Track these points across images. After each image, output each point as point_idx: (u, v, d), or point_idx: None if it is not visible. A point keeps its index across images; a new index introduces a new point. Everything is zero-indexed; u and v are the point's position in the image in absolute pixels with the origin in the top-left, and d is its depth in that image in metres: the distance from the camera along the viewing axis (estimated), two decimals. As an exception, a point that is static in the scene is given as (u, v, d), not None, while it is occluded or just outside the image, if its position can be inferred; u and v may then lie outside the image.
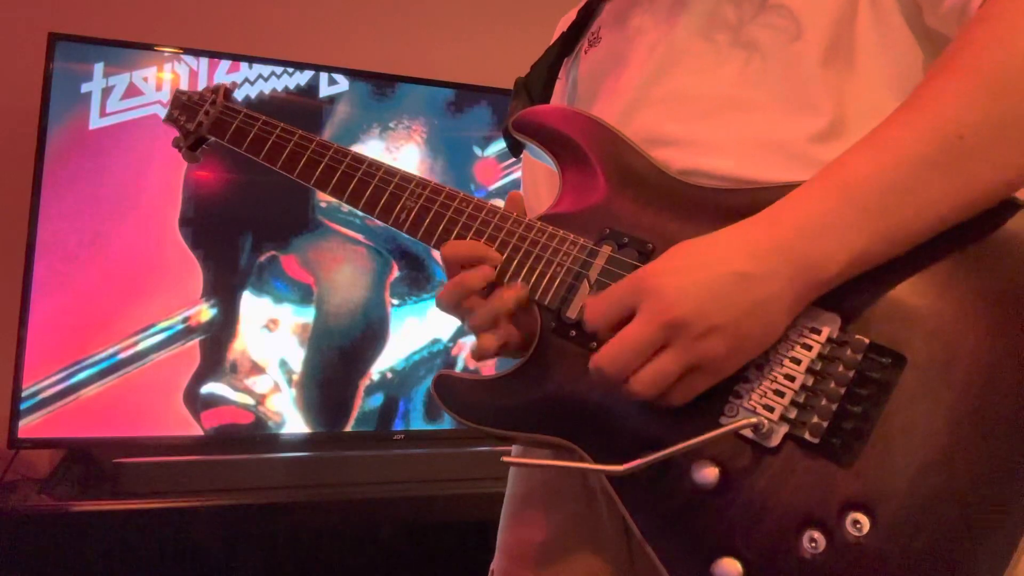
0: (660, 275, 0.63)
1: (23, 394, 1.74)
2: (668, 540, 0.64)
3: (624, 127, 0.79)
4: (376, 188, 0.83)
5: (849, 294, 0.63)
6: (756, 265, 0.61)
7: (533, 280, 0.75)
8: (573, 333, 0.72)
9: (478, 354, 0.76)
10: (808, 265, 0.61)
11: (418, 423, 2.03)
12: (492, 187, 2.16)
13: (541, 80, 0.93)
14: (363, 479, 1.79)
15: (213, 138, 0.96)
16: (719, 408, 0.64)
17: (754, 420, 0.62)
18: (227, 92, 0.98)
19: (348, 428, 1.97)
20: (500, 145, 2.17)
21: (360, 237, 2.02)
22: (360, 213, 0.86)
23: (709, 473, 0.63)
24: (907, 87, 0.66)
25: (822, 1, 0.74)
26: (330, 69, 2.03)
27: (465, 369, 2.07)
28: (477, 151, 2.15)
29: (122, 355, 1.82)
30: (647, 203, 0.74)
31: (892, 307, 0.62)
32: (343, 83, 2.04)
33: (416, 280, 2.06)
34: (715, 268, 0.62)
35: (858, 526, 0.58)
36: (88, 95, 1.85)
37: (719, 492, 0.63)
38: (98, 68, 1.86)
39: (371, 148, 2.05)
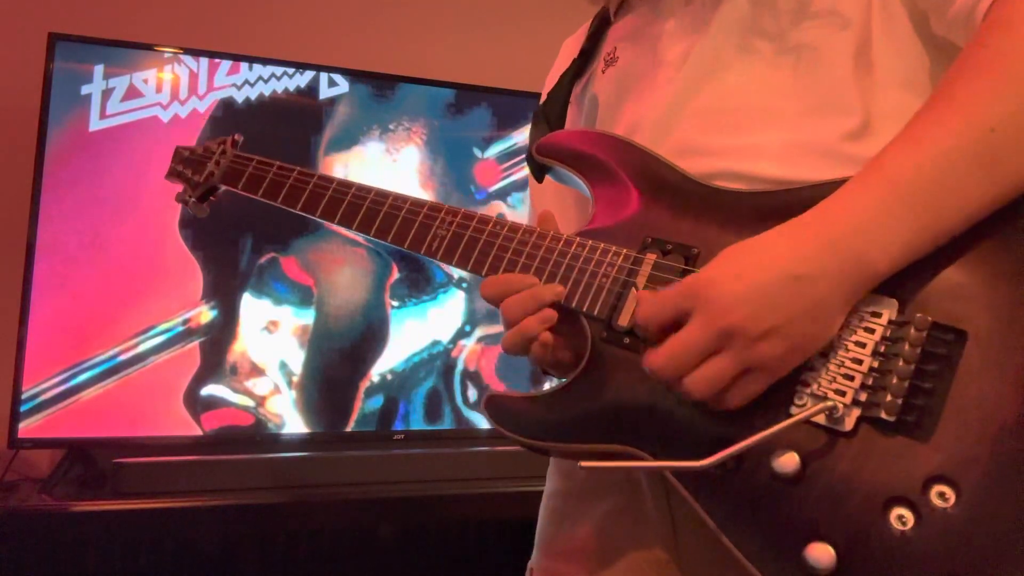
0: (716, 282, 0.64)
1: (23, 396, 1.74)
2: (750, 532, 0.63)
3: (660, 140, 0.80)
4: (404, 220, 0.84)
5: (902, 279, 0.64)
6: (809, 266, 0.63)
7: (579, 293, 0.75)
8: (626, 340, 0.72)
9: (534, 351, 0.75)
10: (859, 261, 0.63)
11: (418, 425, 2.03)
12: (492, 188, 2.16)
13: (559, 107, 0.94)
14: (363, 479, 1.78)
15: (224, 187, 0.97)
16: (788, 399, 0.65)
17: (830, 404, 0.63)
18: (235, 142, 0.99)
19: (348, 430, 1.97)
20: (500, 146, 2.17)
21: (360, 239, 2.02)
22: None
23: (789, 460, 0.63)
24: (917, 90, 0.68)
25: (847, 8, 0.77)
26: (330, 70, 2.03)
27: (466, 370, 2.07)
28: (477, 152, 2.15)
29: (122, 357, 1.82)
30: (684, 210, 0.75)
31: (945, 287, 0.64)
32: (343, 84, 2.04)
33: (416, 282, 2.06)
34: (768, 272, 0.63)
35: (944, 497, 0.58)
36: (88, 97, 1.85)
37: (800, 479, 0.63)
38: (98, 70, 1.86)
39: (371, 150, 2.05)
